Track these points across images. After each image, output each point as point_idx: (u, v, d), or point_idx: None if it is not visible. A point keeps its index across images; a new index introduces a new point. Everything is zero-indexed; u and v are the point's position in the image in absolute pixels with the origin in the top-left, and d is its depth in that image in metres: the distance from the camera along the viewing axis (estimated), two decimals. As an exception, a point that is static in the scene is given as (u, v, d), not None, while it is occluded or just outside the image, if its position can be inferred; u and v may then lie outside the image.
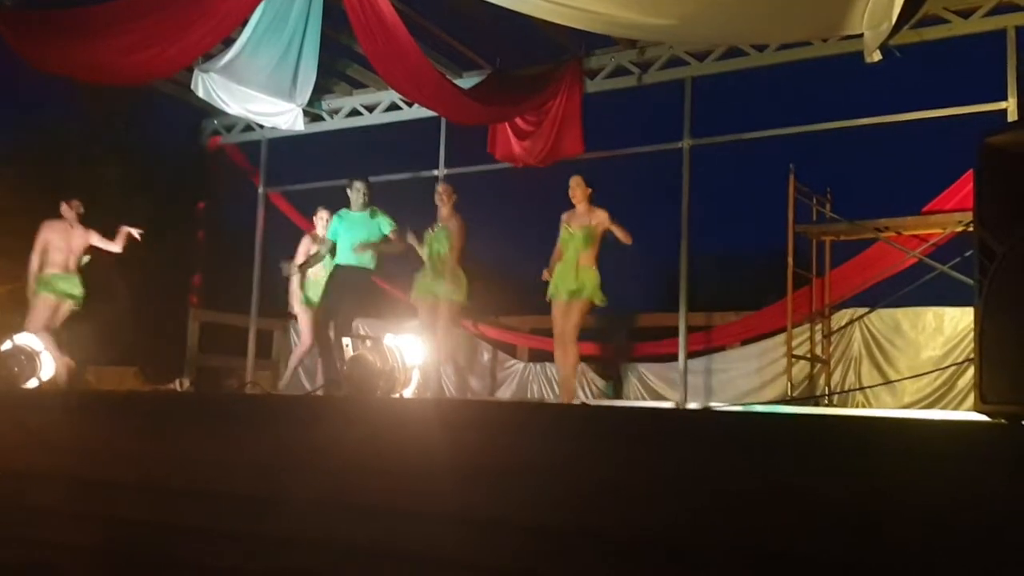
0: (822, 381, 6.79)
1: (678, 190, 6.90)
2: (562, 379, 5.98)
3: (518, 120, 7.50)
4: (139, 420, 3.25)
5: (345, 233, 6.10)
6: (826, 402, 6.52)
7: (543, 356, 8.31)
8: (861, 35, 4.94)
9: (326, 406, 3.42)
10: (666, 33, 5.86)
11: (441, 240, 6.63)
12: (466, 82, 7.65)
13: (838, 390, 6.64)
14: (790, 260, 6.56)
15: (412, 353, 5.63)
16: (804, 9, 5.03)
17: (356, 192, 6.14)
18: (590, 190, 6.03)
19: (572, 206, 6.10)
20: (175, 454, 2.98)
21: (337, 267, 6.11)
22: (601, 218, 5.94)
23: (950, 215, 6.19)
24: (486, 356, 8.29)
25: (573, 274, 5.91)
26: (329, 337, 5.98)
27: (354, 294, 6.04)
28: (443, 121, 7.84)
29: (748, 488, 1.99)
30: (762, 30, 5.61)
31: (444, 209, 6.80)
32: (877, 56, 4.86)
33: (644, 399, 7.30)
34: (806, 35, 6.13)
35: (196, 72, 7.23)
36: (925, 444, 1.90)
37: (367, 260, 6.04)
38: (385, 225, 6.11)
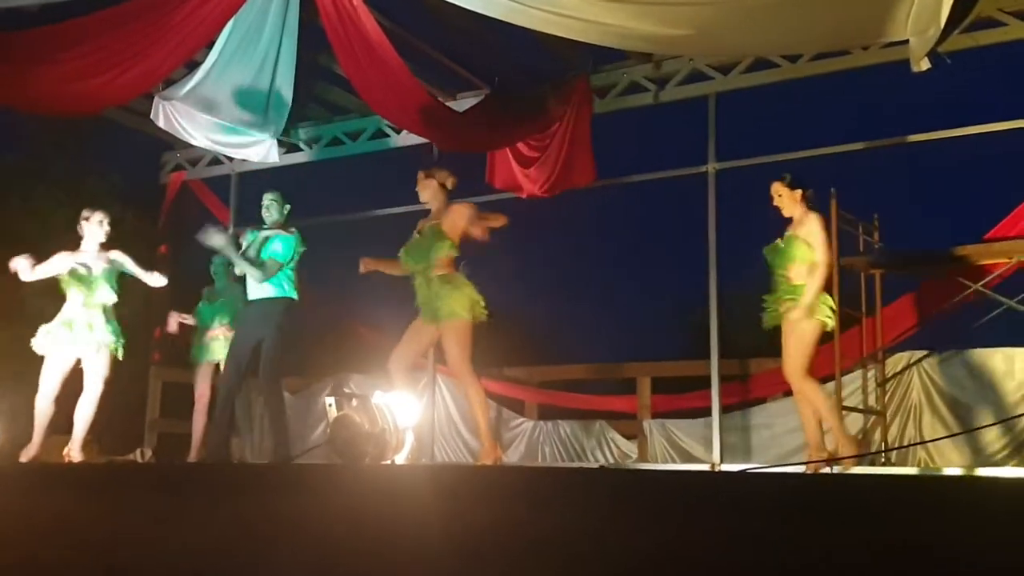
0: (877, 435, 6.72)
1: (703, 220, 6.92)
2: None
3: (520, 146, 7.55)
4: (93, 496, 3.23)
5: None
6: (883, 460, 6.45)
7: (554, 413, 8.26)
8: (906, 42, 4.99)
9: (307, 475, 3.40)
10: (684, 45, 5.92)
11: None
12: (461, 105, 7.73)
13: (896, 445, 6.57)
14: (835, 297, 6.54)
15: (405, 413, 5.61)
16: (840, 14, 5.09)
17: (267, 208, 6.08)
18: (447, 180, 5.64)
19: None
20: (134, 534, 2.95)
21: (248, 303, 5.98)
22: (457, 215, 5.54)
23: (1017, 242, 6.18)
24: (489, 414, 8.23)
25: (426, 289, 5.50)
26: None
27: (275, 336, 5.83)
28: (435, 149, 7.86)
29: (796, 563, 1.97)
30: (794, 38, 5.67)
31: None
32: (925, 64, 4.91)
33: (673, 461, 7.23)
34: (844, 43, 6.20)
35: (156, 100, 7.31)
36: (997, 505, 1.88)
37: (283, 288, 5.88)
38: (283, 248, 5.91)
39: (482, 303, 5.53)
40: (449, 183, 5.73)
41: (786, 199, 5.62)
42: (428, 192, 5.72)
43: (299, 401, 8.47)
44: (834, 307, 5.54)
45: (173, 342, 8.02)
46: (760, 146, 7.44)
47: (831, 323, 5.51)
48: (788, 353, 5.47)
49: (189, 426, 7.40)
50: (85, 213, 6.30)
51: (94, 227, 6.23)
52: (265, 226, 6.13)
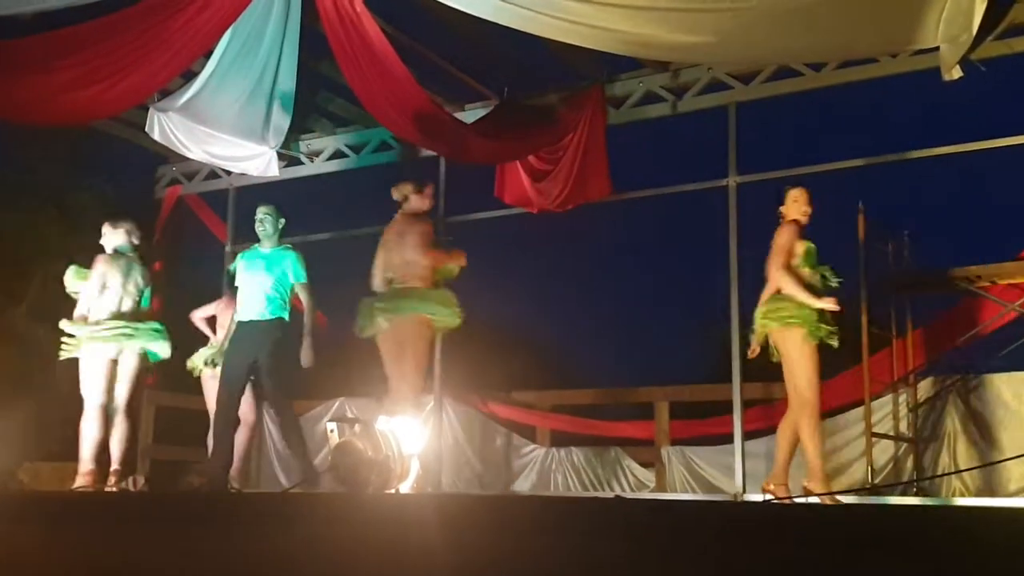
0: (909, 464, 6.69)
1: (724, 235, 6.92)
2: None
3: (531, 159, 7.58)
4: (83, 526, 3.23)
5: (249, 278, 5.98)
6: (915, 490, 6.41)
7: (567, 439, 8.24)
8: (937, 48, 4.99)
9: (307, 505, 3.39)
10: (703, 53, 5.92)
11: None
12: (469, 116, 7.75)
13: (929, 475, 6.53)
14: (864, 318, 6.53)
15: (410, 439, 5.60)
16: (867, 21, 5.09)
17: (261, 223, 6.05)
18: (418, 190, 5.76)
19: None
20: (126, 567, 2.95)
21: (239, 324, 5.95)
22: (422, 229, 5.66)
23: (1055, 259, 6.16)
24: (498, 440, 8.24)
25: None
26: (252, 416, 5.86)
27: (271, 359, 5.82)
28: (443, 161, 7.93)
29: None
30: (818, 46, 5.67)
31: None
32: (957, 72, 4.91)
33: (693, 490, 7.20)
34: (871, 50, 6.20)
35: (151, 111, 7.34)
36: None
37: (277, 308, 5.88)
38: (296, 269, 5.93)
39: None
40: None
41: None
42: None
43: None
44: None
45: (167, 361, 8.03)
46: (783, 158, 7.45)
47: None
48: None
49: (184, 452, 7.39)
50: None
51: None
52: (259, 246, 6.10)
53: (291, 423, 5.97)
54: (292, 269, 5.98)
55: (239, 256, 6.22)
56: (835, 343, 5.45)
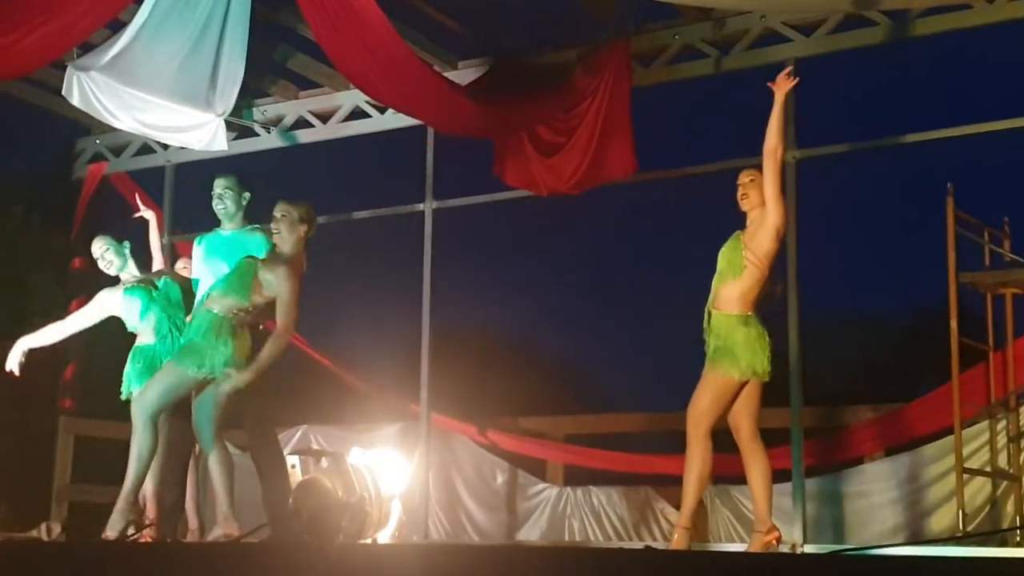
0: (1010, 506, 6.67)
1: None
2: None
3: (539, 129, 7.56)
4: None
5: (210, 266, 5.98)
6: (1019, 538, 6.39)
7: (585, 476, 8.22)
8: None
9: (263, 556, 3.38)
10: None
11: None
12: (463, 75, 7.74)
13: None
14: (953, 325, 6.51)
15: (391, 477, 5.61)
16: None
17: (220, 199, 6.04)
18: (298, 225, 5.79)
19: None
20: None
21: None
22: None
23: None
24: (500, 478, 8.23)
25: None
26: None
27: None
28: (430, 133, 7.92)
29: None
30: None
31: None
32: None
33: (741, 539, 7.17)
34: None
35: (69, 71, 7.32)
36: None
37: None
38: (261, 245, 5.91)
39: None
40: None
41: None
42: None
43: (248, 460, 8.46)
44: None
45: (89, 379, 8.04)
46: (852, 129, 7.43)
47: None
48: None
49: (107, 493, 7.34)
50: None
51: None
52: (220, 228, 6.09)
53: (267, 451, 5.94)
54: (259, 247, 5.97)
55: (197, 241, 6.23)
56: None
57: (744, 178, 5.64)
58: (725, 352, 5.39)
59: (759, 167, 5.55)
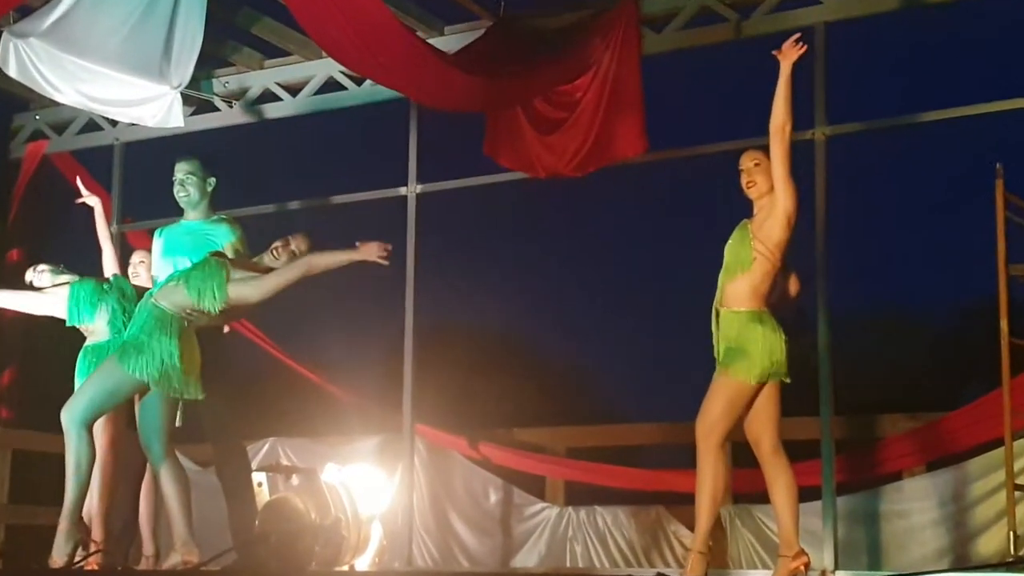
0: (1067, 528, 6.68)
1: (806, 205, 6.87)
2: None
3: (537, 103, 7.57)
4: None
5: (171, 261, 6.02)
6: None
7: (589, 495, 8.22)
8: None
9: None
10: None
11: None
12: (451, 42, 7.76)
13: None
14: (1003, 324, 6.49)
15: (370, 496, 5.60)
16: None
17: (182, 185, 6.10)
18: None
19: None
20: None
21: None
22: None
23: None
24: (493, 497, 8.25)
25: None
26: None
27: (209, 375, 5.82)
28: (413, 107, 7.94)
29: None
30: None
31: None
32: None
33: (765, 565, 7.20)
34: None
35: (5, 37, 7.32)
36: None
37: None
38: (226, 235, 6.00)
39: None
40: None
41: None
42: None
43: (210, 477, 8.45)
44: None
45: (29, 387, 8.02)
46: (888, 102, 7.43)
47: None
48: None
49: (50, 514, 7.32)
50: None
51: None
52: (183, 217, 6.12)
53: (235, 472, 5.99)
54: (223, 236, 6.02)
55: (157, 233, 6.25)
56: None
57: (748, 162, 5.59)
58: (738, 353, 5.37)
59: (766, 149, 5.50)
